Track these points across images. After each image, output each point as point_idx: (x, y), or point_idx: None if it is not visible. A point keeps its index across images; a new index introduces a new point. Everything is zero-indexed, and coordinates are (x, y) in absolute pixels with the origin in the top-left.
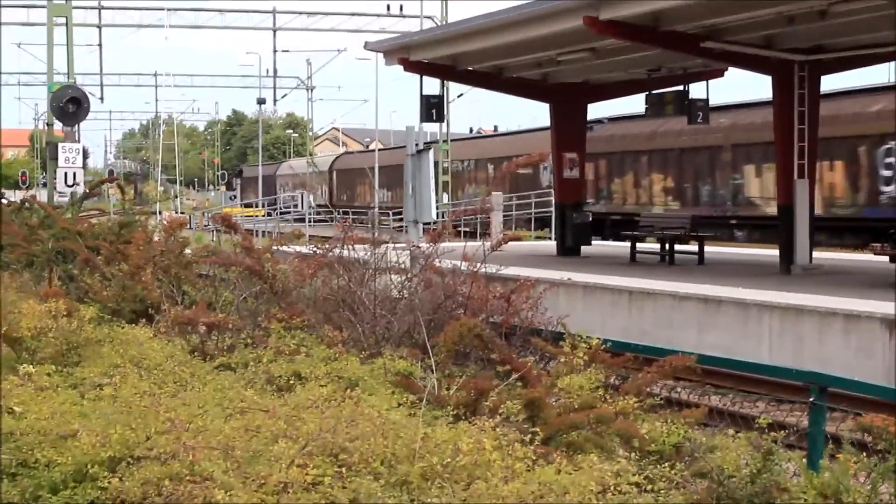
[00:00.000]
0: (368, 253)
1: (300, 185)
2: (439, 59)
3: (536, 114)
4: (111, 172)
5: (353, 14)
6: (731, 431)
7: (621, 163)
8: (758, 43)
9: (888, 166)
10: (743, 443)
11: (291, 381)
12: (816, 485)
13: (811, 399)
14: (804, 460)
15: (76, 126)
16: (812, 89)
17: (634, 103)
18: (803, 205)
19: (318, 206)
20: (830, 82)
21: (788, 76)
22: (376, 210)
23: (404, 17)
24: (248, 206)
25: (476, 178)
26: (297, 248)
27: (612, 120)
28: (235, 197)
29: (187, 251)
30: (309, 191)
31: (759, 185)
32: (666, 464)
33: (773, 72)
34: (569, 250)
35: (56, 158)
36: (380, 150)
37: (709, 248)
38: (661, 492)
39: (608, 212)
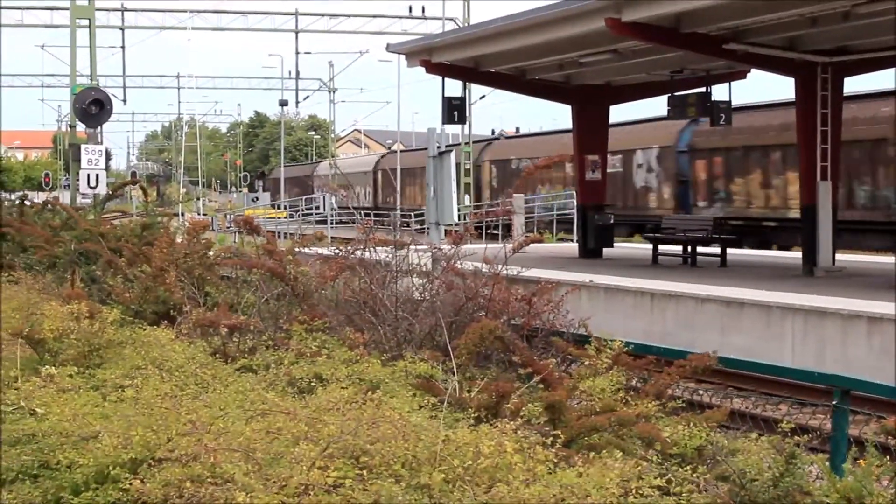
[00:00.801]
0: (390, 255)
1: (342, 185)
2: (461, 60)
3: (558, 115)
4: (134, 174)
5: (375, 16)
6: (753, 434)
7: (744, 159)
8: (780, 45)
9: None
10: (765, 446)
11: (313, 383)
12: (839, 489)
13: (834, 402)
14: (827, 464)
15: (99, 128)
16: (835, 91)
17: (657, 105)
18: (826, 207)
19: (357, 208)
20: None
21: (811, 78)
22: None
23: (426, 18)
24: (276, 207)
25: (552, 177)
26: (319, 250)
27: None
28: (258, 199)
29: (210, 253)
30: (350, 192)
31: None
32: (688, 467)
33: (796, 74)
34: (590, 252)
35: (79, 160)
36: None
37: (731, 251)
38: (684, 495)
39: (726, 216)
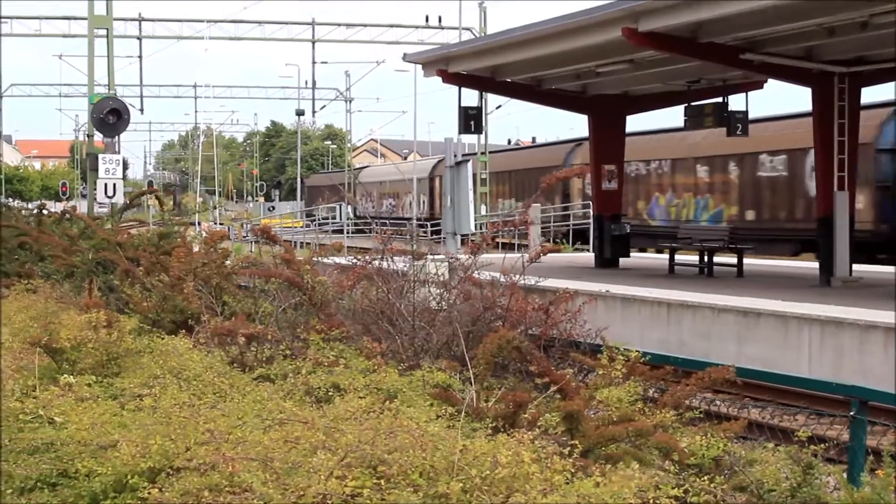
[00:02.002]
0: (408, 265)
1: (390, 194)
2: (478, 70)
3: (574, 125)
4: (150, 183)
5: (391, 25)
6: (770, 445)
7: None
8: (797, 55)
9: None
10: (783, 456)
11: (330, 393)
12: (857, 499)
13: (852, 412)
14: (844, 474)
15: (116, 137)
16: (852, 101)
17: (673, 115)
18: (843, 217)
19: (399, 219)
20: None
21: (828, 88)
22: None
23: (443, 28)
24: (310, 215)
25: (666, 182)
26: (337, 260)
27: None
28: (273, 208)
29: (227, 262)
30: (400, 200)
31: None
32: (705, 477)
33: (813, 84)
34: (607, 262)
35: (96, 169)
36: (504, 150)
37: (748, 261)
38: None
39: None
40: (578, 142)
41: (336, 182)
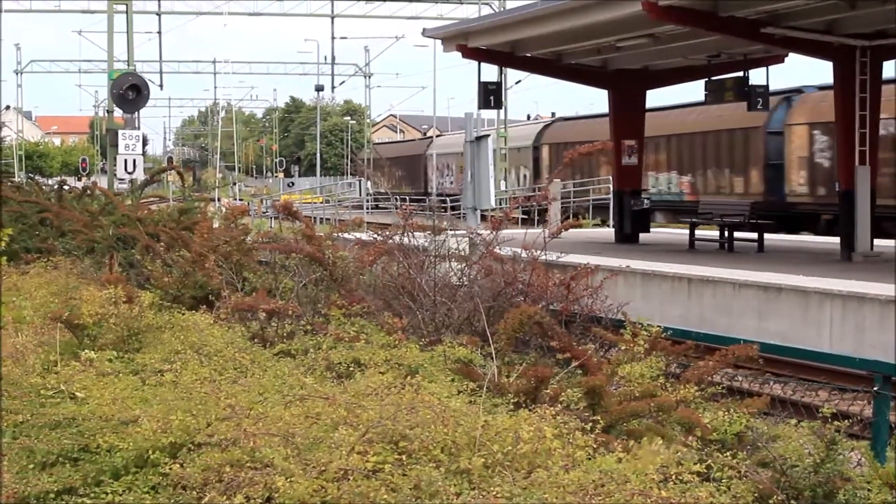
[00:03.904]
0: (428, 240)
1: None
2: (497, 45)
3: (594, 100)
4: (170, 160)
5: (411, 0)
6: (793, 421)
7: None
8: (819, 28)
9: None
10: (806, 432)
11: (351, 368)
12: (882, 474)
13: (876, 388)
14: (871, 450)
15: (136, 113)
16: (873, 75)
17: (693, 90)
18: (864, 192)
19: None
20: None
21: (850, 62)
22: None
23: (462, 3)
24: (381, 195)
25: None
26: (358, 235)
27: None
28: (293, 184)
29: (249, 238)
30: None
31: None
32: (728, 453)
33: (835, 58)
34: (627, 237)
35: (116, 145)
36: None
37: (768, 236)
38: (724, 481)
39: None
40: None
41: (403, 153)
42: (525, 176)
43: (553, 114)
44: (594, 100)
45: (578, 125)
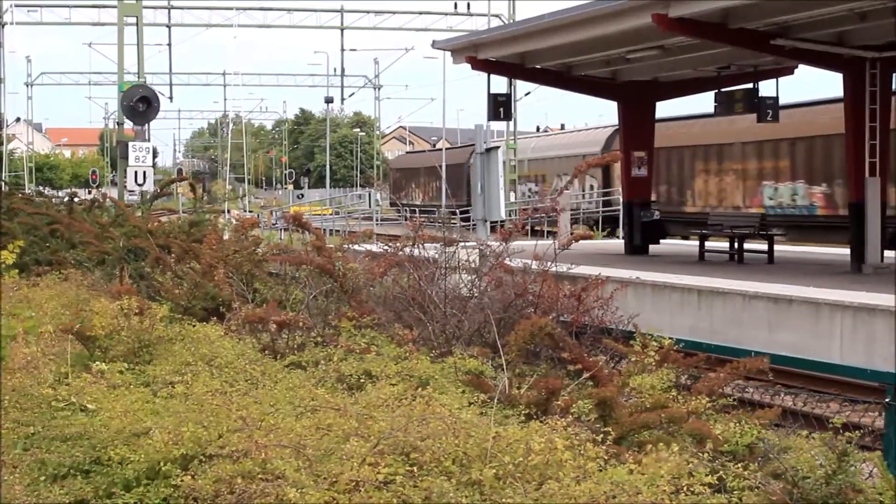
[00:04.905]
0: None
1: (530, 176)
2: (507, 57)
3: (603, 111)
4: (180, 171)
5: (420, 13)
6: (804, 432)
7: None
8: (829, 40)
9: None
10: (817, 443)
11: (362, 380)
12: (894, 486)
13: (887, 399)
14: (883, 461)
15: (146, 125)
16: (884, 87)
17: (703, 101)
18: (874, 203)
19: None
20: None
21: (860, 74)
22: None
23: (471, 15)
24: (395, 205)
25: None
26: (368, 247)
27: None
28: (303, 196)
29: (259, 250)
30: (547, 184)
31: None
32: (739, 464)
33: (844, 69)
34: (636, 249)
35: (126, 157)
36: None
37: (778, 248)
38: (736, 492)
39: None
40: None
41: (438, 163)
42: (592, 186)
43: (562, 126)
44: (603, 111)
45: (660, 129)
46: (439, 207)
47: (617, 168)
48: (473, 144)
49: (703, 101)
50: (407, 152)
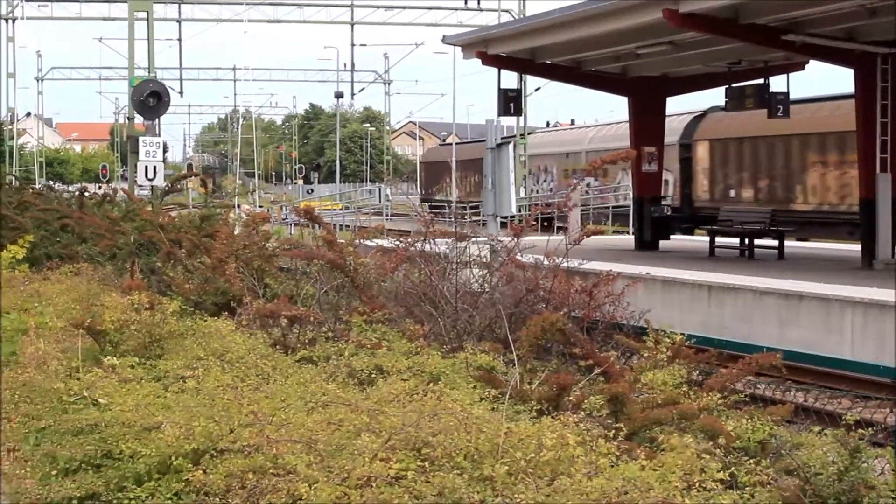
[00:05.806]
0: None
1: (587, 169)
2: (517, 52)
3: (614, 107)
4: (190, 166)
5: (430, 8)
6: (816, 428)
7: None
8: (839, 35)
9: None
10: (829, 440)
11: (373, 375)
12: None
13: None
14: (895, 458)
15: (156, 120)
16: (895, 83)
17: (714, 96)
18: (885, 199)
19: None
20: None
21: (871, 69)
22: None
23: (482, 10)
24: (427, 201)
25: None
26: (379, 242)
27: None
28: (312, 191)
29: (270, 244)
30: (610, 179)
31: None
32: (751, 461)
33: (855, 65)
34: (647, 244)
35: (137, 152)
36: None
37: (789, 243)
38: (748, 489)
39: None
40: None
41: (480, 156)
42: (667, 182)
43: (572, 121)
44: (614, 107)
45: (756, 115)
46: (473, 204)
47: (699, 163)
48: (514, 136)
49: (713, 97)
50: (439, 144)
